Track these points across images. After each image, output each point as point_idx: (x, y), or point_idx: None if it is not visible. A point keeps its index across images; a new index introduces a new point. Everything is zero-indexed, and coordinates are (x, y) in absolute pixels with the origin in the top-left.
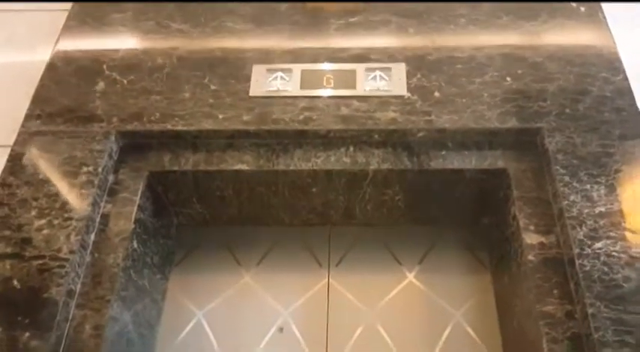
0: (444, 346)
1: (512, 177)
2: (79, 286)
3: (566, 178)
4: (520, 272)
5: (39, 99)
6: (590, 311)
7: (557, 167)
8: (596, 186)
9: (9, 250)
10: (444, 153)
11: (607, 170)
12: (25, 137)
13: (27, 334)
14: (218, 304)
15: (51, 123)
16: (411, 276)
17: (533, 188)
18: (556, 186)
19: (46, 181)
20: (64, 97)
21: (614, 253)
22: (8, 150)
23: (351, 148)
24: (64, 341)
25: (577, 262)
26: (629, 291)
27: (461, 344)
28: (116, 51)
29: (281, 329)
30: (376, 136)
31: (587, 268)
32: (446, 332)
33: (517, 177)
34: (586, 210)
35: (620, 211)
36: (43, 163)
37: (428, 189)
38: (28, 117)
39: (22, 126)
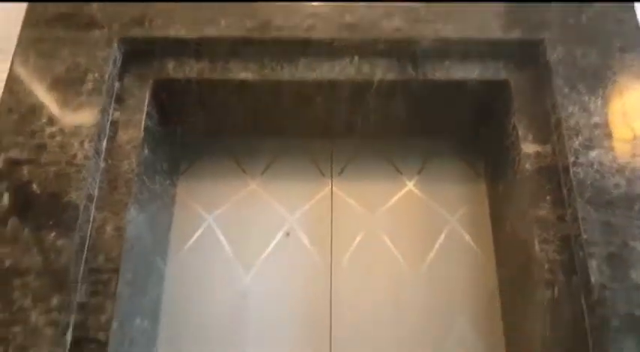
0: (439, 248)
1: (513, 89)
2: (96, 191)
3: (565, 89)
4: (516, 180)
5: (34, 4)
6: (580, 214)
7: (557, 78)
8: (593, 98)
9: (25, 156)
10: (447, 63)
11: (605, 82)
12: (25, 44)
13: (53, 234)
14: (226, 210)
15: (50, 29)
16: (410, 185)
17: (533, 99)
18: (555, 97)
19: (53, 88)
20: (60, 2)
21: (606, 161)
22: (10, 58)
23: (356, 58)
24: (87, 240)
25: (571, 170)
26: (618, 196)
27: (455, 247)
28: None
29: (287, 234)
30: (381, 46)
31: (581, 175)
32: (442, 236)
33: (518, 89)
34: (582, 121)
35: (615, 122)
36: (47, 70)
37: (430, 99)
38: (26, 24)
39: (21, 33)
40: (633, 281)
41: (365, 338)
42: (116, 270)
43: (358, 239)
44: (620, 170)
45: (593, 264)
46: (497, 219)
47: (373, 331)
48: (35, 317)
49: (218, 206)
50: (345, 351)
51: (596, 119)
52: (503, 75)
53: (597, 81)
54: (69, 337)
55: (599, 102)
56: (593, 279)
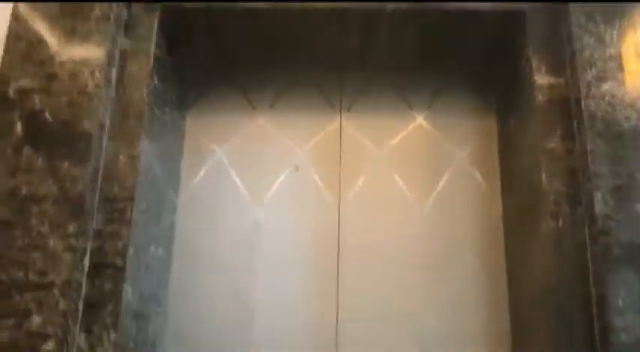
0: (447, 183)
1: (528, 19)
2: (108, 120)
3: (582, 20)
4: (527, 112)
5: None
6: (589, 147)
7: (574, 8)
8: (609, 29)
9: (35, 85)
10: None
11: (622, 12)
12: None
13: (66, 163)
14: (236, 143)
15: None
16: (420, 119)
17: (548, 30)
18: (571, 27)
19: (61, 15)
20: None
21: (618, 94)
22: None
23: None
24: (101, 170)
25: (583, 102)
26: (629, 128)
27: (463, 182)
28: None
29: (296, 168)
30: None
31: (592, 108)
32: (450, 171)
33: (533, 19)
34: (597, 52)
35: (629, 54)
36: None
37: (444, 30)
38: None
39: None
40: (638, 213)
41: (371, 269)
42: (131, 199)
43: (367, 173)
44: (632, 103)
45: (598, 195)
46: (506, 153)
47: (380, 264)
48: (53, 243)
49: (227, 139)
50: (352, 282)
51: (611, 51)
52: (518, 5)
53: (614, 11)
54: (87, 262)
55: (616, 33)
56: (597, 210)
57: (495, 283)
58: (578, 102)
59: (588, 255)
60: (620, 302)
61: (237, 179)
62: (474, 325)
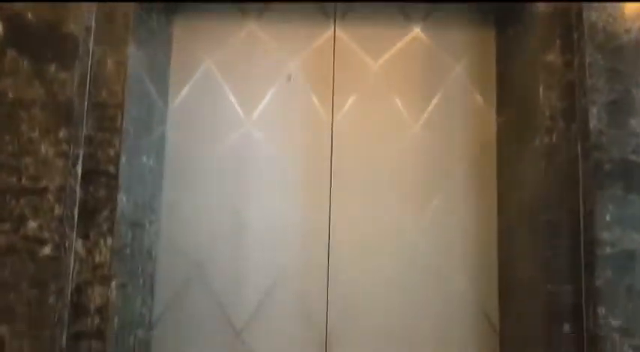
0: (443, 97)
1: None
2: (93, 23)
3: None
4: (526, 23)
5: None
6: (588, 60)
7: None
8: None
9: None
10: None
11: None
12: None
13: (53, 66)
14: (225, 52)
15: None
16: (417, 30)
17: None
18: None
19: None
20: None
21: (620, 5)
22: None
23: None
24: (89, 73)
25: (584, 12)
26: (628, 41)
27: (458, 96)
28: None
29: (289, 78)
30: None
31: (593, 18)
32: (446, 84)
33: None
34: None
35: None
36: None
37: None
38: None
39: None
40: (631, 128)
41: (364, 184)
42: (120, 105)
43: (361, 86)
44: (633, 16)
45: (593, 110)
46: (504, 66)
47: (372, 176)
48: (45, 148)
49: (217, 46)
50: (344, 196)
51: None
52: None
53: None
54: (79, 169)
55: None
56: (591, 125)
57: (486, 198)
58: (579, 12)
59: (580, 170)
60: (608, 217)
61: (227, 88)
62: (461, 237)
